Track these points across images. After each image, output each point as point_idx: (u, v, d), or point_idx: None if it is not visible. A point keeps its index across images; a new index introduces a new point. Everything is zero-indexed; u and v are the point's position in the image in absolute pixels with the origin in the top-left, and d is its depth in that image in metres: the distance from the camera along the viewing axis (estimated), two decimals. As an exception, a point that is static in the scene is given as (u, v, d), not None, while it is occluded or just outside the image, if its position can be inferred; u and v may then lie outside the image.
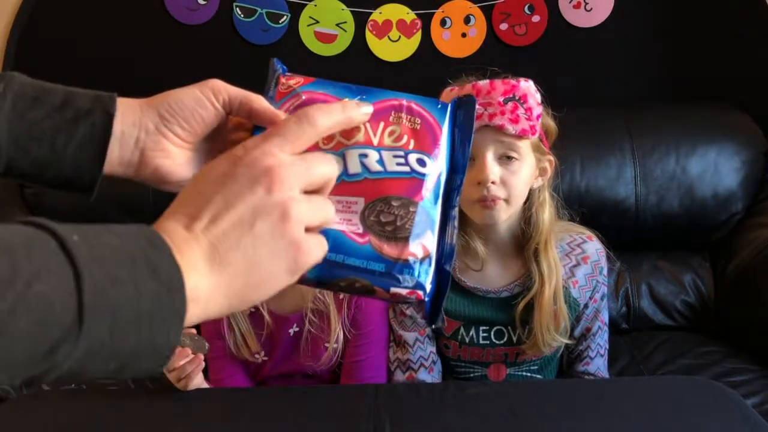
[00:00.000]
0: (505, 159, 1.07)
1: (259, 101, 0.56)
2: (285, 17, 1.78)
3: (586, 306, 1.17)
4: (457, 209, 0.56)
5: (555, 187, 1.19)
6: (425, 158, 0.56)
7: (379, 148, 0.56)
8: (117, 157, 0.54)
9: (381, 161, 0.55)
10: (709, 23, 1.76)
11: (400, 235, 0.53)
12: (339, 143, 0.56)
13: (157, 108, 0.54)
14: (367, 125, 0.57)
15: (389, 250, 0.53)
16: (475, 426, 0.89)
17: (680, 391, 0.96)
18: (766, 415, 0.96)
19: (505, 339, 1.17)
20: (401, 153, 0.56)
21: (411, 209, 0.54)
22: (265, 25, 1.78)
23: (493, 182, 1.05)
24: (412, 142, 0.56)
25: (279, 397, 1.01)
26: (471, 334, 1.17)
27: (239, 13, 1.77)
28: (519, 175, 1.08)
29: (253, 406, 0.97)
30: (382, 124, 0.57)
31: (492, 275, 1.16)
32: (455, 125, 0.59)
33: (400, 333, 1.20)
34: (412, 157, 0.56)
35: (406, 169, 0.55)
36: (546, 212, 1.14)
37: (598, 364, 1.21)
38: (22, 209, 1.67)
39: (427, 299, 0.53)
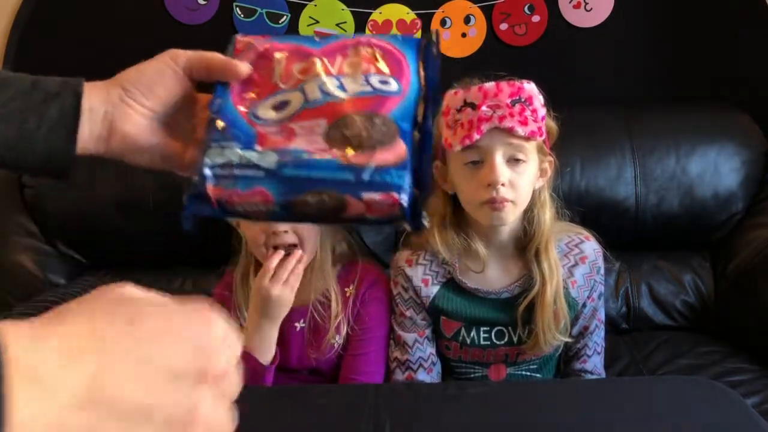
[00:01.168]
0: (513, 161, 1.07)
1: (214, 55, 0.57)
2: (285, 17, 1.78)
3: (584, 305, 1.18)
4: (433, 132, 0.53)
5: (555, 188, 1.19)
6: (388, 79, 0.54)
7: (338, 76, 0.54)
8: (87, 133, 0.55)
9: (341, 86, 0.53)
10: (709, 23, 1.76)
11: (367, 143, 0.50)
12: (297, 80, 0.55)
13: (121, 82, 0.57)
14: (325, 60, 0.55)
15: (356, 158, 0.49)
16: (475, 426, 0.89)
17: (680, 391, 0.96)
18: (766, 415, 0.96)
19: (506, 339, 1.17)
20: (362, 77, 0.54)
21: (376, 120, 0.51)
22: (265, 25, 1.78)
23: (502, 184, 1.05)
24: (373, 67, 0.54)
25: (278, 396, 1.01)
26: (472, 335, 1.17)
27: (239, 13, 1.77)
28: (526, 176, 1.08)
29: (252, 406, 0.97)
30: (340, 58, 0.55)
31: (492, 276, 1.17)
32: (421, 59, 0.56)
33: (399, 333, 1.20)
34: (374, 78, 0.54)
35: (368, 88, 0.53)
36: (547, 213, 1.14)
37: (595, 362, 1.22)
38: (22, 210, 1.67)
39: (405, 203, 0.49)
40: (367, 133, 0.50)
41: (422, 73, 0.56)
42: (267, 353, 1.11)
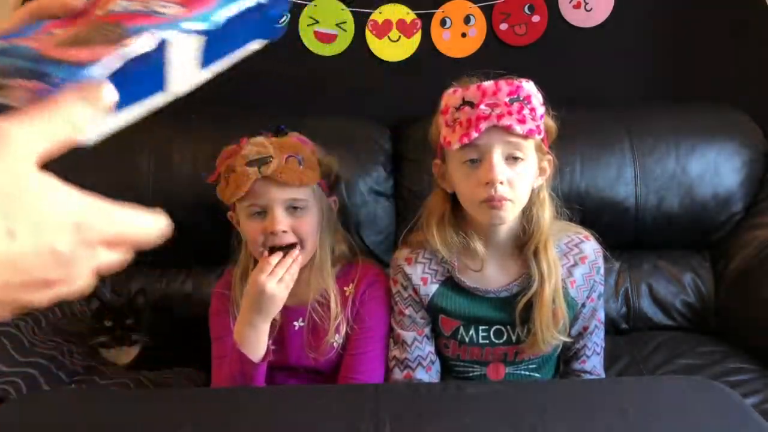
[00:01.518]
0: (511, 159, 1.07)
1: None
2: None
3: (583, 305, 1.18)
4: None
5: (554, 188, 1.19)
6: (171, 5, 0.51)
7: (137, 1, 0.52)
8: None
9: (124, 7, 0.51)
10: (709, 23, 1.76)
11: (76, 41, 0.47)
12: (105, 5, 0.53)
13: None
14: None
15: (55, 51, 0.47)
16: (475, 426, 0.89)
17: (680, 391, 0.96)
18: (766, 415, 0.96)
19: (504, 338, 1.17)
20: (152, 1, 0.52)
21: (112, 28, 0.48)
22: (265, 25, 1.78)
23: (501, 182, 1.05)
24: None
25: (279, 397, 1.01)
26: (470, 333, 1.17)
27: (239, 13, 1.77)
28: (524, 175, 1.08)
29: (252, 406, 0.97)
30: None
31: (491, 275, 1.17)
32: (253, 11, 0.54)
33: (398, 332, 1.20)
34: (157, 2, 0.51)
35: (141, 8, 0.51)
36: (546, 212, 1.14)
37: (594, 362, 1.22)
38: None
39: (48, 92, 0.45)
40: (91, 36, 0.48)
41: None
42: (258, 350, 1.11)
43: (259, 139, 1.16)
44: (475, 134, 1.04)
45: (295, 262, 1.12)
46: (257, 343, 1.11)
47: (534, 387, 1.06)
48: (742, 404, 0.92)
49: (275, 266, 1.10)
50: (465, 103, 1.07)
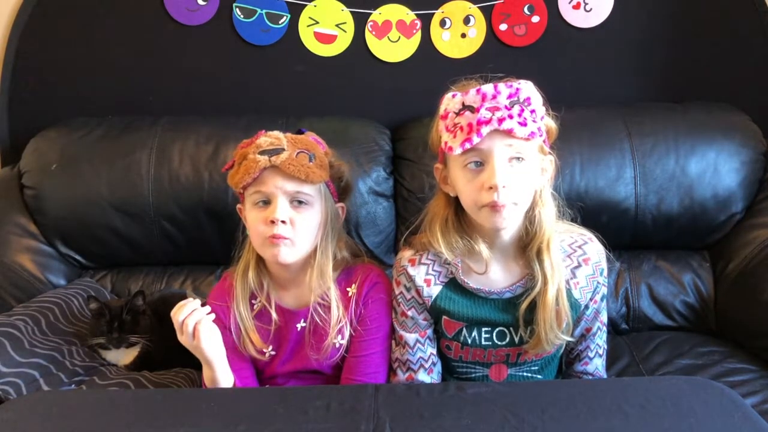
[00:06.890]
0: (514, 162, 1.06)
1: None
2: (285, 18, 1.78)
3: (586, 307, 1.17)
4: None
5: (556, 188, 1.18)
6: None
7: None
8: None
9: None
10: (709, 23, 1.76)
11: None
12: None
13: None
14: None
15: None
16: (475, 426, 0.89)
17: (680, 391, 0.96)
18: (766, 415, 0.96)
19: (507, 340, 1.17)
20: None
21: None
22: (264, 25, 1.78)
23: (504, 186, 1.04)
24: None
25: (279, 397, 1.01)
26: (473, 335, 1.17)
27: (239, 13, 1.77)
28: (527, 177, 1.07)
29: (253, 407, 0.97)
30: None
31: (495, 276, 1.16)
32: None
33: (401, 333, 1.20)
34: None
35: None
36: (548, 212, 1.13)
37: (596, 364, 1.22)
38: (22, 211, 1.67)
39: None
40: None
41: None
42: (223, 384, 1.16)
43: (275, 132, 1.19)
44: (477, 139, 1.03)
45: (200, 313, 1.12)
46: (219, 383, 1.15)
47: (534, 387, 1.06)
48: (742, 404, 0.92)
49: (185, 321, 1.11)
50: (465, 107, 1.06)
